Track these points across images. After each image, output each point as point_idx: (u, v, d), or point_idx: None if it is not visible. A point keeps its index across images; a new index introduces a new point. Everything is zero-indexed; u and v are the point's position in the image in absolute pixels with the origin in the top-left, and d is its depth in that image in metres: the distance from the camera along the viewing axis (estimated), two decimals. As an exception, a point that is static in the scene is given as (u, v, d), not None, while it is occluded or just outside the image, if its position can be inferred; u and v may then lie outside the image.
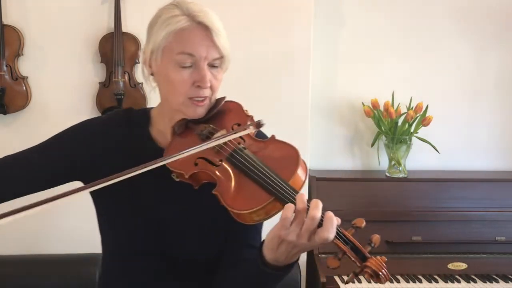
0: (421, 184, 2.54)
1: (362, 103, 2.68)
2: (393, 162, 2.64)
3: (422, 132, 2.64)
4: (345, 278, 2.26)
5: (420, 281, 2.27)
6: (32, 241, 2.54)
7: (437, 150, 2.67)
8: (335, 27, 2.71)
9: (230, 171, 1.16)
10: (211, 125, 1.25)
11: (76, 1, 2.43)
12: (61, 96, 2.49)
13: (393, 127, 2.60)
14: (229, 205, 1.12)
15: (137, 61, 2.45)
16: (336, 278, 2.26)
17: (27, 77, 2.44)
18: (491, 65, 2.79)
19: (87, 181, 1.28)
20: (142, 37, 2.45)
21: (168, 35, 1.20)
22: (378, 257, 1.06)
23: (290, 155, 1.16)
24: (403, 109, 2.64)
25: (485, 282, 2.28)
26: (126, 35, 2.42)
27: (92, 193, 1.35)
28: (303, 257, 2.43)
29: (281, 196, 1.09)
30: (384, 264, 1.05)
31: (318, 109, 2.70)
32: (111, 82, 2.42)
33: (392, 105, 2.62)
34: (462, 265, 2.35)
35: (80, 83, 2.48)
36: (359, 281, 2.22)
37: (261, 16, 2.43)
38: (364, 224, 1.10)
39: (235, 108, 1.30)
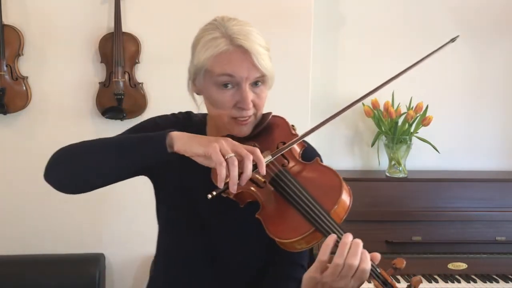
0: (421, 184, 2.53)
1: (362, 103, 2.68)
2: (393, 162, 2.64)
3: (422, 132, 2.64)
4: None
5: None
6: (32, 241, 2.54)
7: (437, 150, 2.67)
8: (335, 26, 2.71)
9: (273, 195, 1.18)
10: (257, 144, 1.25)
11: (76, 1, 2.44)
12: (61, 96, 2.49)
13: (393, 127, 2.60)
14: (271, 232, 1.14)
15: (137, 61, 2.45)
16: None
17: (27, 77, 2.44)
18: (492, 65, 2.78)
19: (151, 174, 1.36)
20: (142, 37, 2.46)
21: (208, 59, 1.22)
22: None
23: (333, 183, 1.16)
24: (403, 109, 2.64)
25: (485, 282, 2.28)
26: (126, 35, 2.42)
27: (156, 195, 1.40)
28: (303, 257, 2.43)
29: (321, 228, 1.09)
30: None
31: (318, 109, 2.70)
32: (111, 82, 2.42)
33: (392, 105, 2.62)
34: (462, 265, 2.35)
35: (80, 83, 2.48)
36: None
37: (261, 17, 2.43)
38: (404, 265, 1.10)
39: (281, 124, 1.32)
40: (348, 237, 1.08)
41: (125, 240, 2.59)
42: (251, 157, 1.09)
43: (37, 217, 2.54)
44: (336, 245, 1.07)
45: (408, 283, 1.09)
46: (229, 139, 1.13)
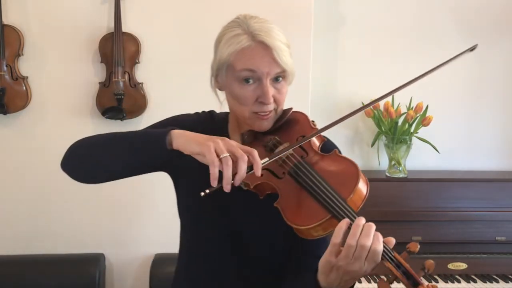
0: (421, 184, 2.53)
1: (362, 103, 2.68)
2: (393, 162, 2.64)
3: (422, 132, 2.64)
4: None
5: (420, 281, 2.27)
6: (32, 241, 2.54)
7: (437, 150, 2.67)
8: (335, 26, 2.72)
9: (292, 185, 1.20)
10: (276, 137, 1.29)
11: (76, 1, 2.44)
12: (61, 96, 2.49)
13: (393, 127, 2.60)
14: (289, 219, 1.17)
15: (137, 61, 2.45)
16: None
17: (27, 77, 2.45)
18: (492, 65, 2.78)
19: (169, 170, 1.38)
20: (142, 37, 2.45)
21: (230, 55, 1.26)
22: (430, 284, 1.09)
23: (350, 171, 1.19)
24: (403, 109, 2.64)
25: (485, 282, 2.28)
26: (126, 35, 2.42)
27: (176, 191, 1.42)
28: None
29: (338, 215, 1.12)
30: None
31: (318, 109, 2.70)
32: (111, 82, 2.42)
33: (392, 105, 2.62)
34: (462, 265, 2.35)
35: (80, 83, 2.48)
36: (359, 281, 2.22)
37: (261, 17, 2.43)
38: (418, 248, 1.15)
39: (302, 119, 1.34)
40: (361, 220, 1.11)
41: (125, 240, 2.59)
42: (245, 158, 1.11)
43: (37, 217, 2.54)
44: (349, 228, 1.10)
45: (422, 266, 1.11)
46: (226, 139, 1.15)
